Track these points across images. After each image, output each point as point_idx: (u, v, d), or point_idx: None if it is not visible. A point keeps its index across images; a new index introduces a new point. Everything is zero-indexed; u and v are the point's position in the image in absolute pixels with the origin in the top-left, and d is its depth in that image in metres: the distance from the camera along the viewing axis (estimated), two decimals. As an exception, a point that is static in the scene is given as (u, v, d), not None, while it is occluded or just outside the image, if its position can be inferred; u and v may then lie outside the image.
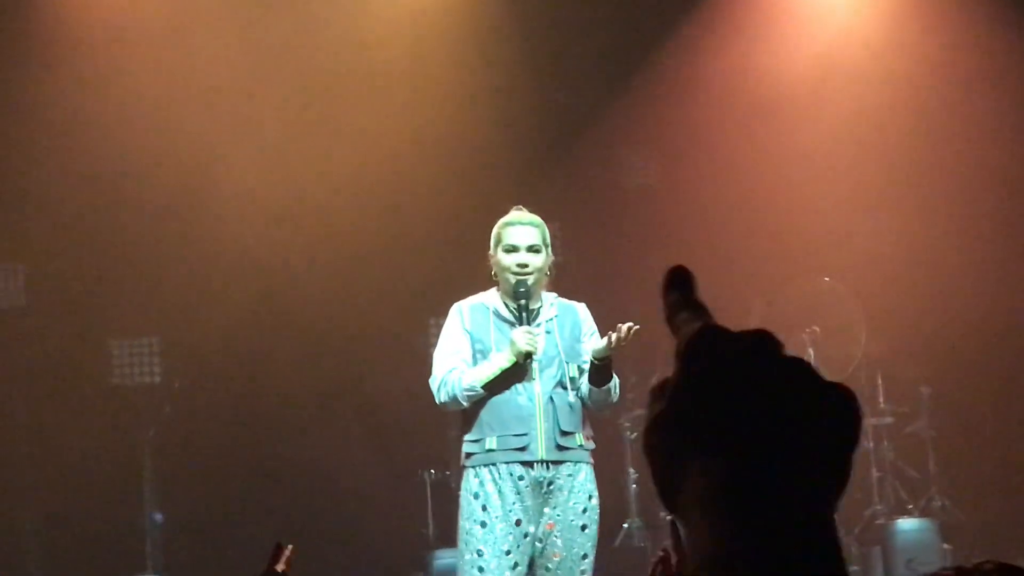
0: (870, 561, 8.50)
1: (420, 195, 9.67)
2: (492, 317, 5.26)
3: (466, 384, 5.19)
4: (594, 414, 5.43)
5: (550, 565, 5.14)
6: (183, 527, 9.35)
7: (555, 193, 10.13)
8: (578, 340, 5.29)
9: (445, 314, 5.44)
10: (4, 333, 9.64)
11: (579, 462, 5.20)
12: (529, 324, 5.21)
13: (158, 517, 9.15)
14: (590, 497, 5.21)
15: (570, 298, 5.52)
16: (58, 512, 9.38)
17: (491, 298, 5.34)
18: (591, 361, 5.22)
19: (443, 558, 8.60)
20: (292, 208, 9.63)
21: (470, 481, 5.19)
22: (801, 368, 1.39)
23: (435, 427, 9.43)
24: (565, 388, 5.23)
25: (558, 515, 5.15)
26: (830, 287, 9.50)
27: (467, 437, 5.26)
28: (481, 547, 5.11)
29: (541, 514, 5.16)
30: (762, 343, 1.44)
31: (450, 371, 5.23)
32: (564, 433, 5.17)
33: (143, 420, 9.36)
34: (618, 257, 10.05)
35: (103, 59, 9.42)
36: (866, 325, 9.34)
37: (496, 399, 5.17)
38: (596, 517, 5.24)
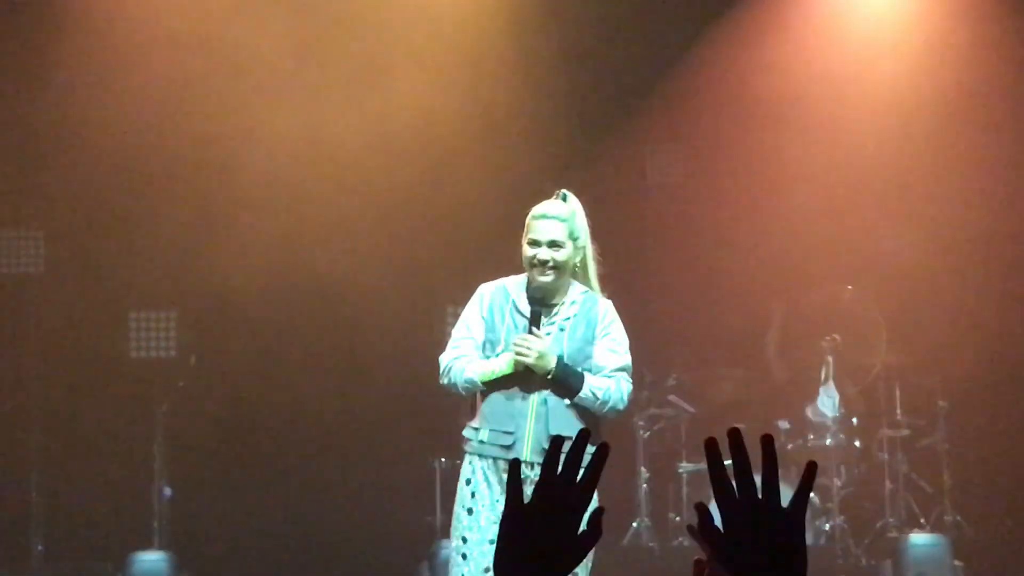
0: (880, 574, 8.44)
1: (450, 179, 9.62)
2: (511, 309, 5.20)
3: (467, 376, 5.18)
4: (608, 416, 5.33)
5: None
6: (192, 503, 9.34)
7: (580, 188, 10.09)
8: (590, 341, 5.19)
9: (463, 303, 5.39)
10: (21, 299, 9.63)
11: None
12: (538, 327, 5.12)
13: (167, 492, 9.13)
14: None
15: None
16: (67, 483, 9.39)
17: (516, 286, 5.26)
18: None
19: (448, 548, 8.55)
20: (315, 184, 9.60)
21: (465, 467, 5.20)
22: None
23: (448, 415, 9.40)
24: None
25: None
26: (853, 295, 9.44)
27: (469, 423, 5.27)
28: (466, 534, 5.11)
29: None
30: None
31: (457, 358, 5.20)
32: (553, 437, 5.10)
33: (157, 394, 9.34)
34: (641, 255, 10.00)
35: (133, 31, 9.40)
36: (887, 335, 9.27)
37: (496, 393, 5.15)
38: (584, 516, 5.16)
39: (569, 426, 5.07)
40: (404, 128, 9.50)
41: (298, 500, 9.57)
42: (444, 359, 5.27)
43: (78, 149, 9.49)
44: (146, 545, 8.82)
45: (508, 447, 5.09)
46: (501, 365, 5.12)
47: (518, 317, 5.19)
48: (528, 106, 9.60)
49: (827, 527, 8.96)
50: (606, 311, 5.24)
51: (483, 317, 5.22)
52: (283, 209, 9.56)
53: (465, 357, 5.19)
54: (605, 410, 5.11)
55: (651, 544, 9.17)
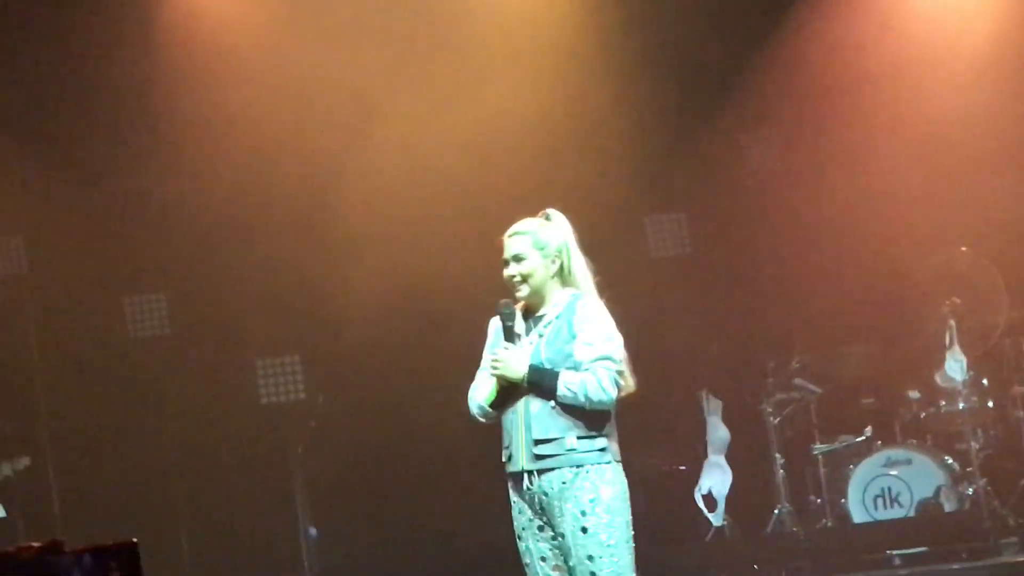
0: (1029, 532, 8.35)
1: (550, 187, 9.66)
2: (498, 330, 5.28)
3: (476, 404, 5.28)
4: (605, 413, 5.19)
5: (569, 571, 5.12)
6: (338, 539, 9.48)
7: (679, 184, 10.11)
8: (569, 341, 5.13)
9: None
10: (152, 359, 9.89)
11: (575, 467, 5.06)
12: (510, 341, 5.16)
13: (313, 532, 9.29)
14: (592, 500, 5.03)
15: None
16: (215, 528, 9.59)
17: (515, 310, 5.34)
18: None
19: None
20: (424, 215, 9.68)
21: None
22: None
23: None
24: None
25: (564, 524, 5.07)
26: (968, 256, 9.35)
27: None
28: (524, 559, 5.21)
29: (551, 525, 5.11)
30: None
31: (473, 388, 5.31)
32: (541, 441, 5.07)
33: (290, 436, 9.51)
34: (747, 243, 9.99)
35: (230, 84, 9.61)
36: (1007, 292, 9.17)
37: (505, 411, 5.21)
38: (603, 519, 5.04)
39: (552, 428, 5.06)
40: (499, 138, 9.56)
41: (433, 527, 9.58)
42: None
43: (190, 209, 9.72)
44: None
45: (508, 461, 5.16)
46: (492, 383, 5.20)
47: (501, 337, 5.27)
48: (620, 106, 9.63)
49: (971, 491, 8.88)
50: (583, 308, 5.18)
51: (488, 344, 5.32)
52: (390, 237, 9.65)
53: (476, 387, 5.29)
54: (591, 403, 5.05)
55: (795, 529, 9.15)
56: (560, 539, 5.08)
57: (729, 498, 9.26)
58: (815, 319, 9.72)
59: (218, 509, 9.66)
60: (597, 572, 5.01)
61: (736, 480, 9.29)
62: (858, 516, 9.03)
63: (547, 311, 5.21)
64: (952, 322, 8.97)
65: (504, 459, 5.19)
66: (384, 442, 9.72)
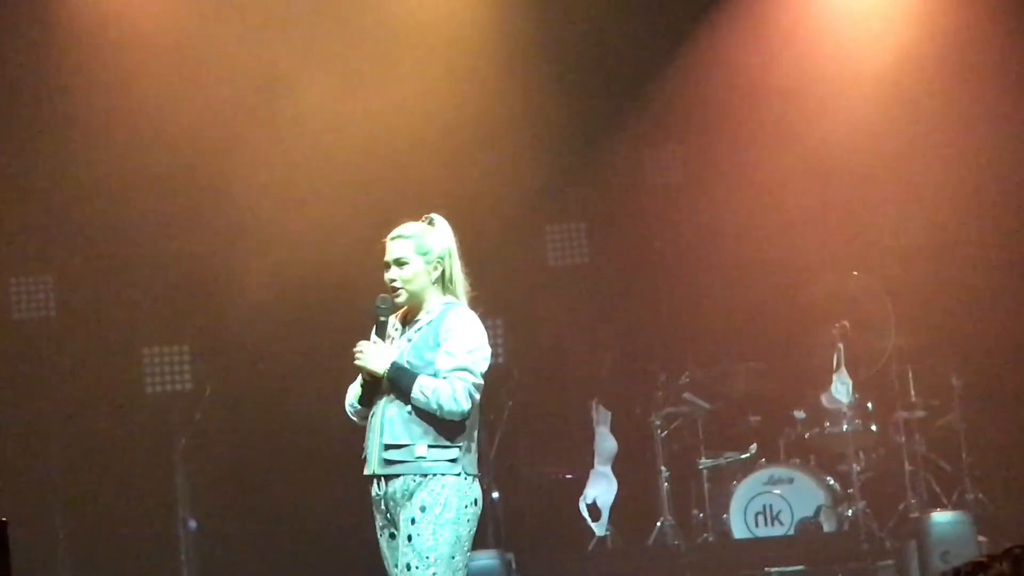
0: (905, 555, 8.47)
1: (451, 186, 9.64)
2: (374, 333, 5.25)
3: (349, 399, 5.26)
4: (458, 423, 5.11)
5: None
6: (215, 535, 9.37)
7: (581, 194, 10.14)
8: (433, 349, 5.09)
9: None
10: (32, 343, 9.70)
11: (419, 475, 5.00)
12: (381, 337, 5.16)
13: (192, 525, 9.18)
14: (422, 508, 4.97)
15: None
16: (93, 519, 9.44)
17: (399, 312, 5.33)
18: None
19: (476, 560, 8.60)
20: (319, 207, 9.57)
21: None
22: None
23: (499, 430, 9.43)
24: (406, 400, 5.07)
25: (396, 531, 5.06)
26: (859, 281, 9.47)
27: None
28: (383, 560, 5.18)
29: (397, 528, 5.09)
30: None
31: (352, 385, 5.27)
32: (391, 447, 5.03)
33: (175, 428, 9.39)
34: (646, 256, 10.04)
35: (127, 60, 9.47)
36: (895, 318, 9.30)
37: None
38: (428, 529, 4.96)
39: (403, 435, 5.02)
40: (402, 134, 9.50)
41: (327, 526, 9.51)
42: None
43: (84, 188, 9.55)
44: (175, 577, 8.88)
45: (365, 464, 5.12)
46: (360, 379, 5.18)
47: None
48: (523, 111, 9.63)
49: (850, 513, 9.00)
50: (452, 317, 5.12)
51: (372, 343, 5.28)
52: (284, 228, 9.51)
53: (352, 385, 5.27)
54: (443, 412, 5.00)
55: (676, 542, 9.20)
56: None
57: (613, 508, 9.30)
58: (708, 335, 9.80)
59: (96, 497, 9.49)
60: None
61: (621, 491, 9.33)
62: (739, 532, 9.11)
63: (422, 317, 5.17)
64: (840, 345, 9.09)
65: (364, 461, 5.14)
66: (269, 435, 9.63)
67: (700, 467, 9.42)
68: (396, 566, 5.02)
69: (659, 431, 9.42)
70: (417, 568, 4.91)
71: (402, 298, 5.16)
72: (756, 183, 9.90)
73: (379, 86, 9.50)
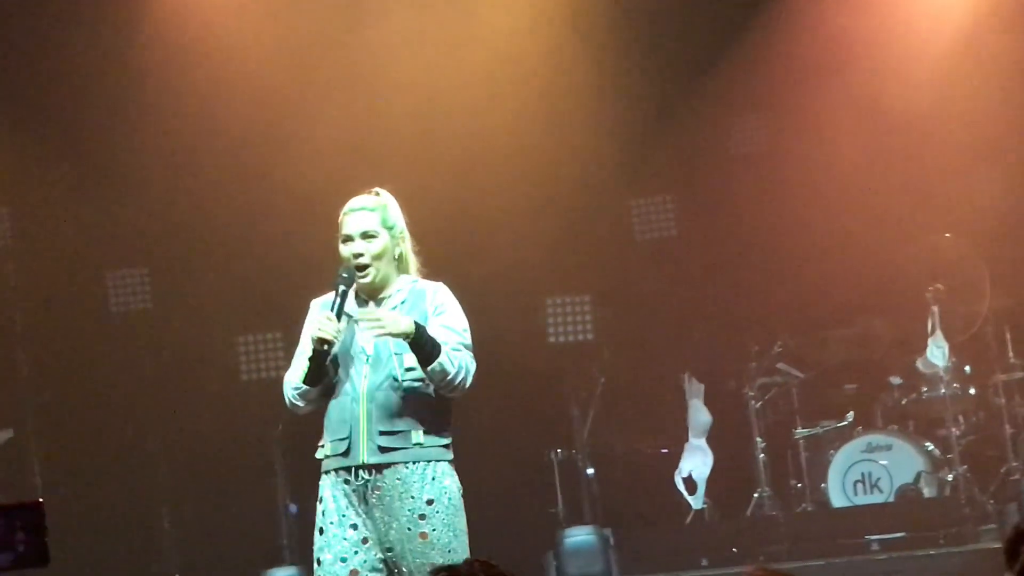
0: (1006, 518, 8.36)
1: (523, 172, 9.63)
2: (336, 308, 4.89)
3: (292, 383, 4.92)
4: (443, 403, 4.93)
5: None
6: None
7: (665, 166, 10.09)
8: (424, 322, 4.84)
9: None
10: (130, 335, 9.86)
11: (413, 462, 4.77)
12: (339, 317, 4.79)
13: (293, 509, 9.28)
14: (429, 501, 4.76)
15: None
16: (196, 502, 9.59)
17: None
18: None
19: (573, 536, 8.64)
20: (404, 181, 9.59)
21: (320, 486, 4.96)
22: None
23: (559, 406, 9.46)
24: (397, 381, 4.81)
25: (394, 524, 4.77)
26: (953, 243, 9.35)
27: (319, 444, 5.02)
28: (320, 555, 4.87)
29: (378, 521, 4.81)
30: None
31: (288, 371, 4.99)
32: (387, 433, 4.76)
33: (271, 414, 9.49)
34: (734, 226, 9.97)
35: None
36: (990, 279, 9.18)
37: (333, 400, 4.87)
38: (444, 521, 4.78)
39: (398, 420, 4.78)
40: (481, 111, 9.51)
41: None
42: (284, 381, 5.02)
43: (171, 180, 9.69)
44: (278, 562, 8.98)
45: (345, 454, 4.82)
46: (307, 353, 4.84)
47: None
48: (606, 87, 9.60)
49: (950, 478, 8.90)
50: (436, 291, 4.92)
51: (309, 323, 4.96)
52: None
53: (292, 370, 4.96)
54: (460, 384, 4.79)
55: (774, 513, 9.16)
56: (387, 540, 4.79)
57: (709, 481, 9.27)
58: (799, 303, 9.72)
59: (198, 485, 9.64)
60: None
61: (717, 463, 9.30)
62: (837, 501, 9.05)
63: (390, 295, 4.92)
64: (935, 308, 8.98)
65: (332, 451, 4.84)
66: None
67: (796, 437, 9.37)
68: (364, 565, 4.76)
69: (753, 402, 9.37)
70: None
71: (370, 275, 4.88)
72: (844, 148, 9.79)
73: (455, 61, 9.52)
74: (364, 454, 4.79)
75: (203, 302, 9.77)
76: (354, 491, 4.82)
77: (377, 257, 4.88)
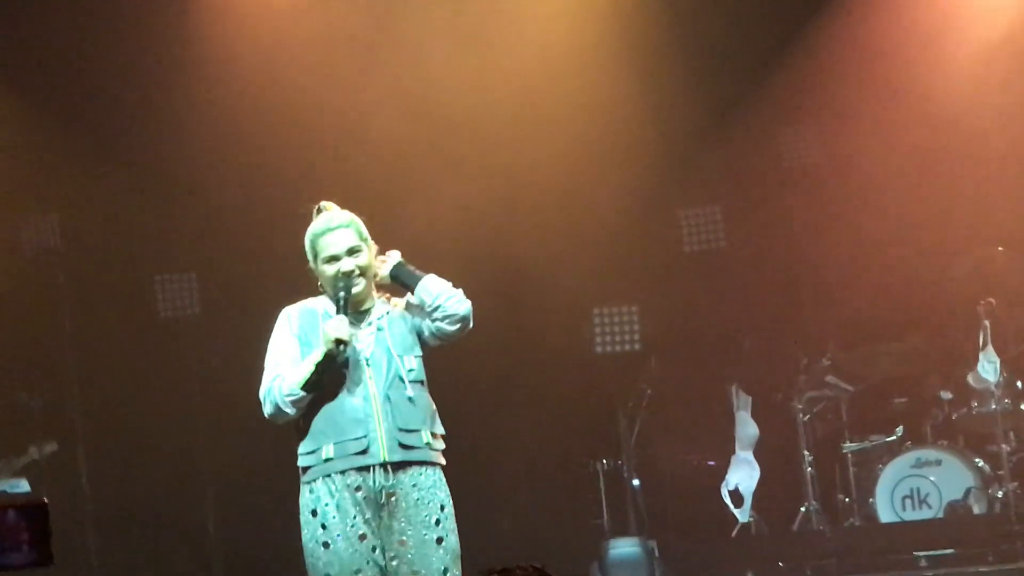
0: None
1: (571, 182, 9.61)
2: (321, 319, 4.90)
3: (286, 390, 4.84)
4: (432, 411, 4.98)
5: None
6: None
7: (714, 177, 10.05)
8: (411, 330, 4.93)
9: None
10: (178, 341, 9.90)
11: (425, 463, 4.82)
12: (347, 314, 4.84)
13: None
14: (442, 507, 4.81)
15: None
16: (242, 511, 9.63)
17: (321, 303, 5.00)
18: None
19: (618, 547, 8.61)
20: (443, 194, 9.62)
21: (306, 498, 4.85)
22: None
23: (605, 417, 9.42)
24: (403, 382, 4.84)
25: (409, 530, 4.77)
26: (1005, 256, 9.27)
27: (301, 450, 4.91)
28: (328, 571, 4.78)
29: (388, 527, 4.79)
30: None
31: (274, 379, 4.89)
32: (405, 431, 4.79)
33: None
34: (783, 238, 9.92)
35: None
36: (1044, 294, 9.09)
37: (330, 405, 4.83)
38: (452, 526, 4.83)
39: (413, 419, 4.81)
40: (529, 121, 9.51)
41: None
42: (263, 387, 4.93)
43: (218, 186, 9.73)
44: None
45: (363, 452, 4.78)
46: (315, 357, 4.82)
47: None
48: (654, 98, 9.57)
49: (1000, 494, 8.81)
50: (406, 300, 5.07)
51: (294, 334, 4.96)
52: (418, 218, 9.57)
53: (280, 377, 4.88)
54: (447, 310, 4.85)
55: (821, 527, 9.09)
56: (398, 545, 4.77)
57: (756, 494, 9.21)
58: (849, 316, 9.65)
59: (245, 491, 9.66)
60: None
61: (764, 477, 9.24)
62: (886, 516, 8.97)
63: (377, 307, 4.98)
64: (987, 322, 8.89)
65: (342, 453, 4.79)
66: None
67: (845, 451, 9.30)
68: (412, 574, 4.74)
69: (801, 415, 9.31)
70: (449, 572, 4.78)
71: (360, 286, 4.92)
72: (894, 160, 9.73)
73: (502, 70, 9.51)
74: (385, 452, 4.79)
75: (250, 307, 9.79)
76: (365, 497, 4.79)
77: (366, 269, 4.96)
